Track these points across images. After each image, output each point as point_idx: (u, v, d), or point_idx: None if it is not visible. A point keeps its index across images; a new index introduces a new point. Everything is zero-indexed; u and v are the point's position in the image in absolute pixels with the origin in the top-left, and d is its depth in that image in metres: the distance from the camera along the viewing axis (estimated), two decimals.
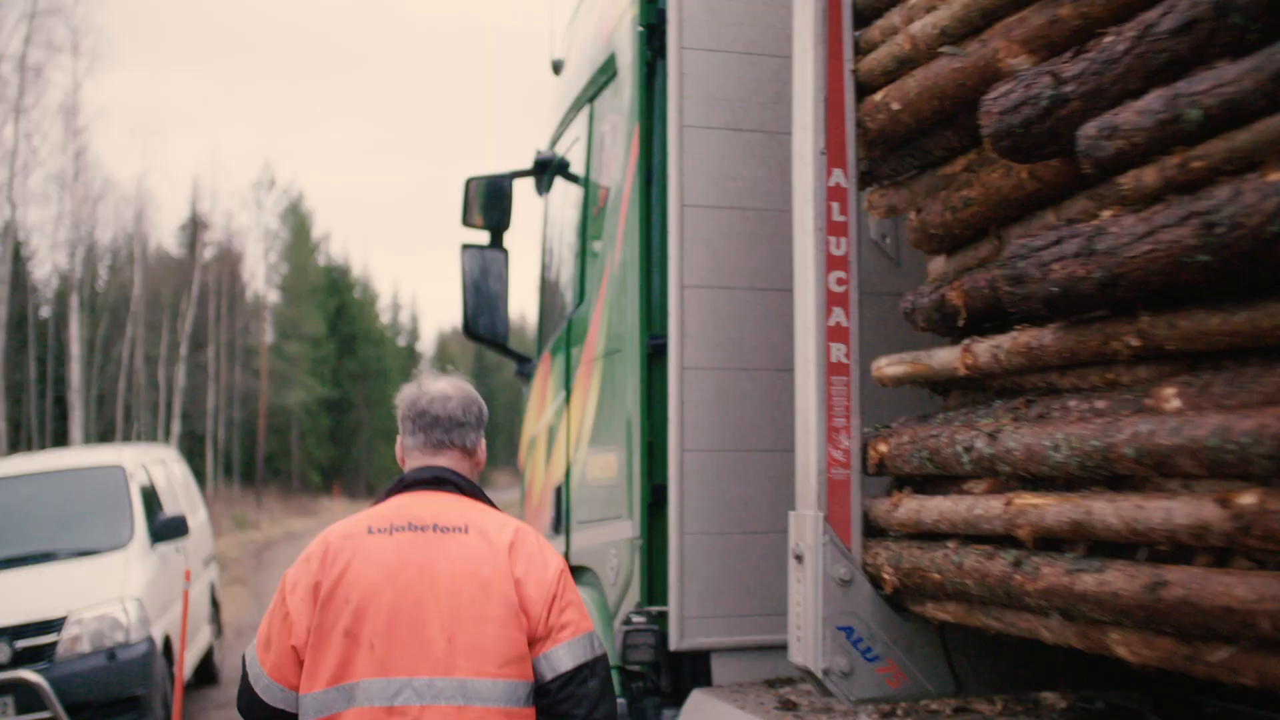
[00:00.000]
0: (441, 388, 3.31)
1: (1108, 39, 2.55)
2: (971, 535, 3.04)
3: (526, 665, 2.96)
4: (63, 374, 36.14)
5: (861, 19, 3.61)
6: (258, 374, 50.03)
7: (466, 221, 7.14)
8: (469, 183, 6.97)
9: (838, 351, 3.48)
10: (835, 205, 3.51)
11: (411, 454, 3.28)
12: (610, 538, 5.25)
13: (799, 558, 3.47)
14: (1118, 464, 2.50)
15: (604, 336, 5.41)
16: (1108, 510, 2.50)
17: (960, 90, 3.16)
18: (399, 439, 3.33)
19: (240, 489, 46.63)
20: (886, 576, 3.37)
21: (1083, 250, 2.58)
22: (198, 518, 12.75)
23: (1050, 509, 2.69)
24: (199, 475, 18.76)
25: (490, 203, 7.07)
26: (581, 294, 5.95)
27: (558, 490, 6.19)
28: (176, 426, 40.25)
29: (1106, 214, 2.60)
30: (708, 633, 4.54)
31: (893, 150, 3.65)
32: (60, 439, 34.98)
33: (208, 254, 48.39)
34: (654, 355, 4.97)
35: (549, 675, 2.99)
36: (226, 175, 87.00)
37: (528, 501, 7.30)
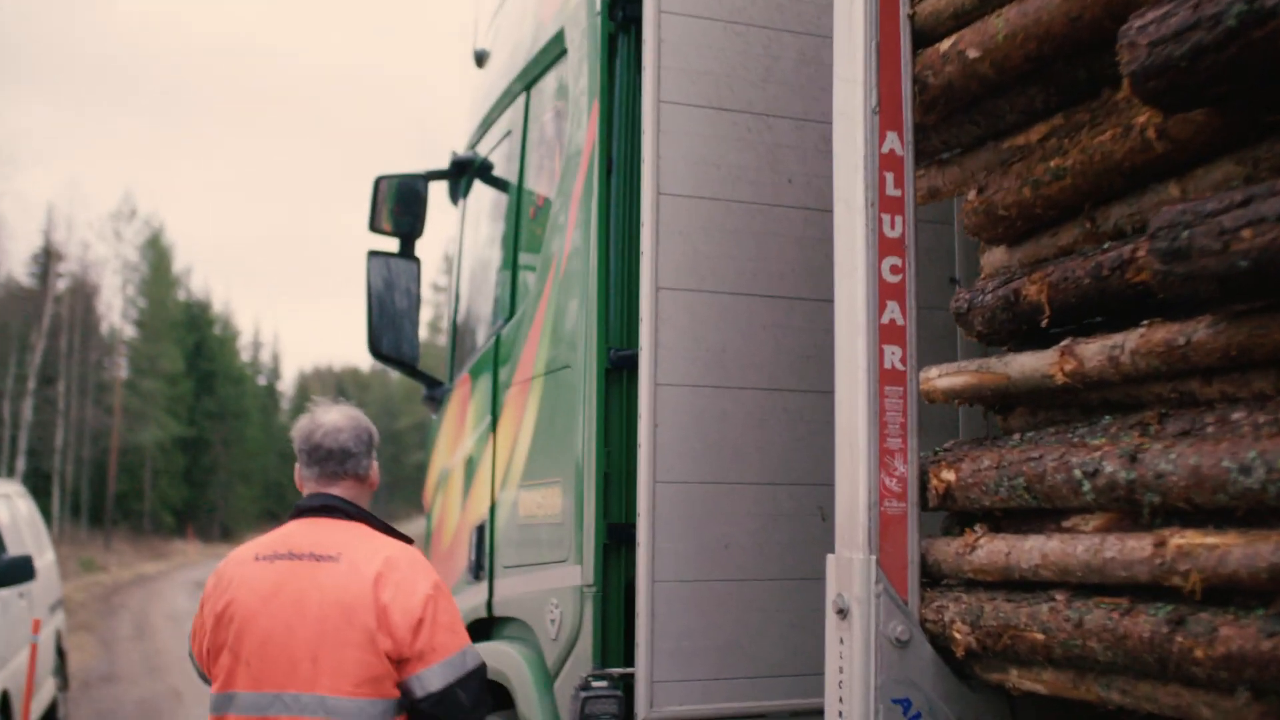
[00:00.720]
0: (334, 419, 3.70)
1: None
2: (1095, 585, 2.38)
3: (385, 684, 3.32)
4: None
5: None
6: (110, 411, 47.81)
7: (374, 226, 6.35)
8: (379, 182, 6.19)
9: (892, 356, 2.81)
10: (890, 176, 2.85)
11: (308, 483, 3.68)
12: (549, 585, 4.50)
13: (842, 612, 2.77)
14: None
15: (545, 352, 4.68)
16: None
17: (1070, 28, 2.54)
18: (297, 467, 3.72)
19: (88, 530, 44.32)
20: (958, 636, 2.69)
21: None
22: (45, 559, 11.54)
23: (1235, 550, 2.04)
24: (44, 515, 17.26)
25: (402, 206, 6.31)
26: (512, 307, 5.22)
27: (478, 530, 5.41)
28: (21, 464, 38.12)
29: None
30: (682, 699, 3.82)
31: (951, 114, 3.01)
32: None
33: (61, 285, 46.24)
34: (611, 372, 4.27)
35: (419, 694, 3.36)
36: (84, 205, 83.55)
37: (435, 544, 6.48)
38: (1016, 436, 2.81)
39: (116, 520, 47.84)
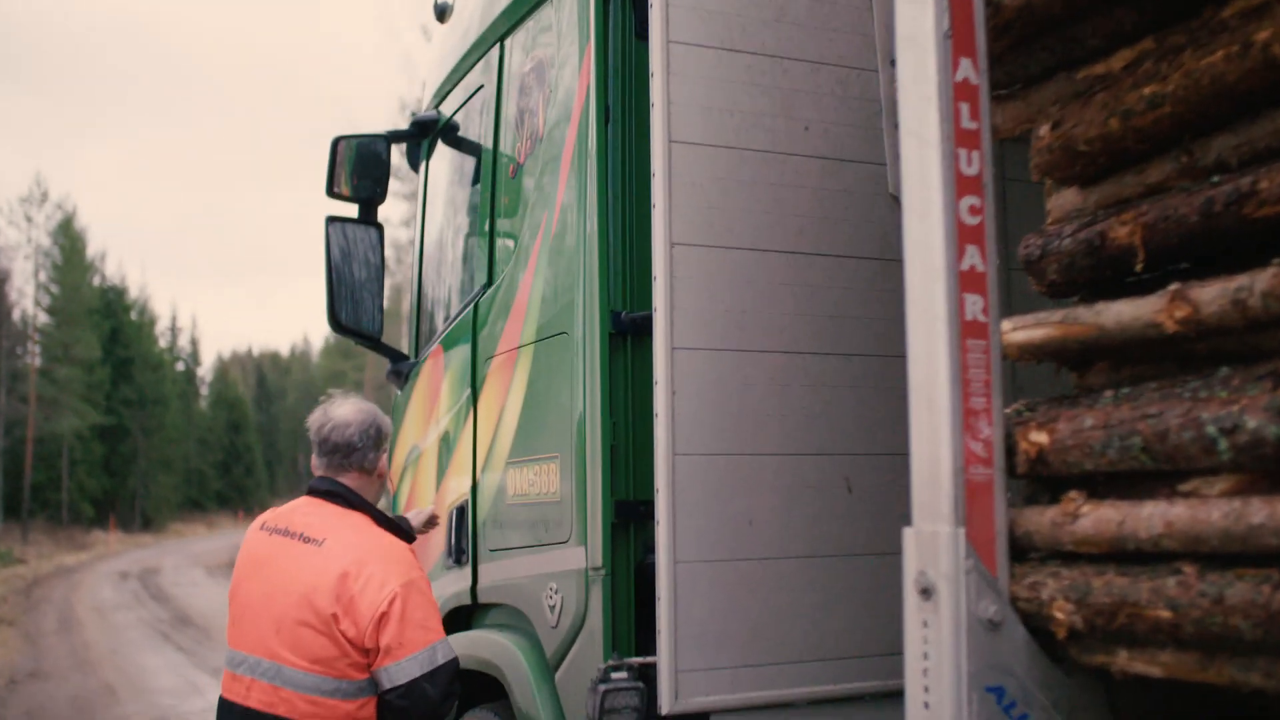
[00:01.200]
0: (343, 414, 4.01)
1: None
2: (1234, 555, 2.12)
3: (339, 665, 3.65)
4: None
5: None
6: (25, 399, 46.45)
7: (332, 191, 5.98)
8: (337, 143, 5.82)
9: (973, 306, 2.53)
10: (965, 107, 2.57)
11: (318, 470, 4.03)
12: (547, 569, 4.20)
13: (926, 592, 2.49)
14: None
15: (535, 318, 4.36)
16: None
17: None
18: (312, 456, 4.09)
19: (4, 522, 43.05)
20: (1059, 615, 2.43)
21: None
22: None
23: None
24: None
25: (362, 169, 5.95)
26: (490, 273, 4.89)
27: (458, 512, 5.08)
28: None
29: None
30: (709, 689, 3.55)
31: (1023, 41, 2.74)
32: None
33: None
34: (614, 336, 3.99)
35: (387, 685, 3.69)
36: None
37: None
38: (1109, 393, 2.55)
39: (34, 511, 46.61)
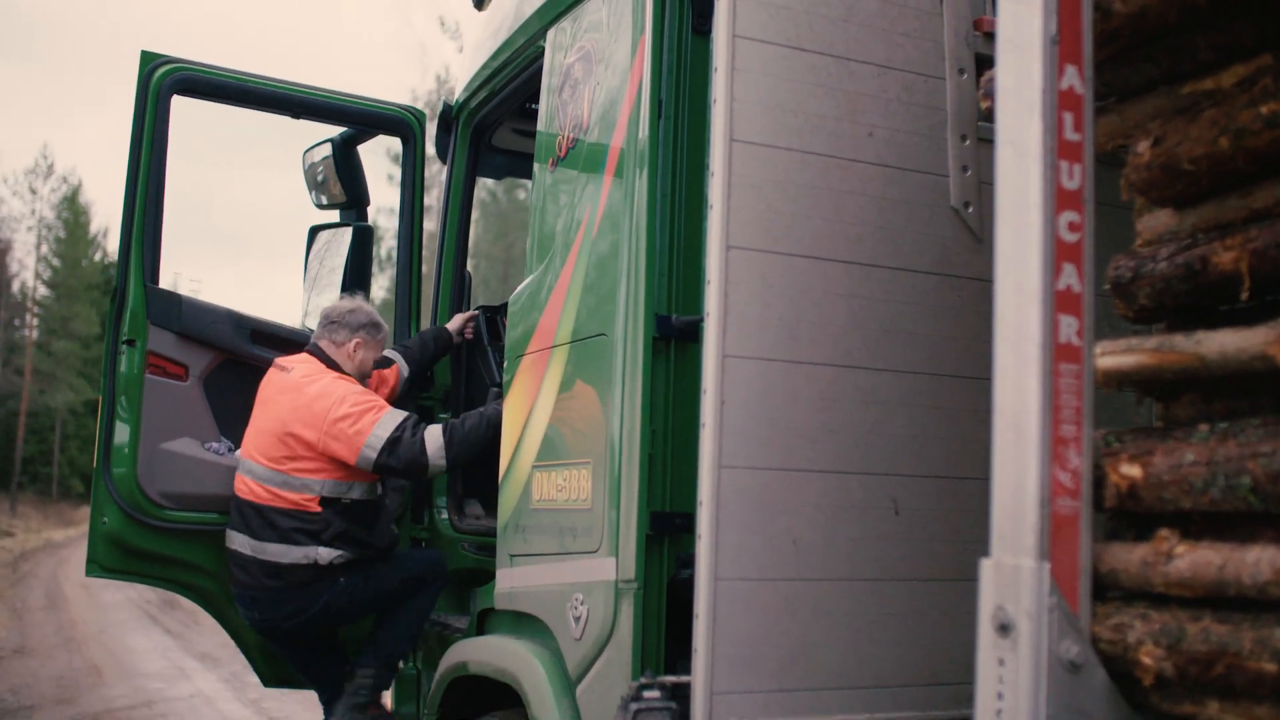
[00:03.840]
0: (345, 302, 5.53)
1: None
2: None
3: (299, 464, 5.09)
4: None
5: None
6: (20, 372, 46.27)
7: (320, 203, 6.06)
8: (307, 154, 5.91)
9: (1068, 328, 2.39)
10: (1069, 117, 2.43)
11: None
12: (572, 579, 4.06)
13: (1004, 628, 2.35)
14: None
15: (571, 318, 4.22)
16: None
17: None
18: None
19: None
20: (1146, 660, 2.28)
21: None
22: None
23: None
24: None
25: (337, 174, 6.01)
26: (526, 269, 4.75)
27: None
28: None
29: None
30: (743, 713, 3.39)
31: (1127, 50, 2.60)
32: None
33: None
34: (656, 341, 3.85)
35: (373, 455, 5.06)
36: None
37: None
38: (1204, 428, 2.40)
39: (23, 485, 46.41)
